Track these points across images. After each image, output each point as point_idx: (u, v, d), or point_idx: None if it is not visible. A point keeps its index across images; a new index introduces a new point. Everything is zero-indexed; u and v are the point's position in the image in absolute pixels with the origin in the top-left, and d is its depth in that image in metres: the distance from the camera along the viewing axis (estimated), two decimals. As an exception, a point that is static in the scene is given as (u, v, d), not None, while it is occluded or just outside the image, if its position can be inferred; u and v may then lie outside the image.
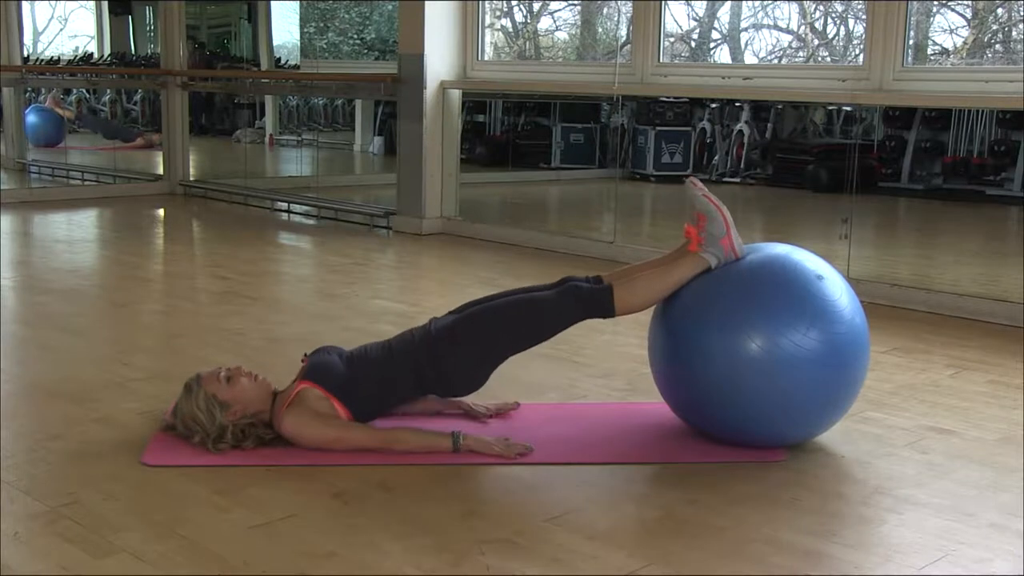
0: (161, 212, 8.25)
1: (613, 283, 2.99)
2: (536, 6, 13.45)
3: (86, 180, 9.70)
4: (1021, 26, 11.20)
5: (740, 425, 2.92)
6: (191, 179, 9.09)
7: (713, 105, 10.74)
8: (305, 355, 3.09)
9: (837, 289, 2.91)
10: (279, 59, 12.89)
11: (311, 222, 7.79)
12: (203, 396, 2.90)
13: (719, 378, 2.86)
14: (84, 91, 12.63)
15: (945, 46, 11.34)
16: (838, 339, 2.84)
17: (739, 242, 2.96)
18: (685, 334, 2.93)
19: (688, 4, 12.49)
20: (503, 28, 12.85)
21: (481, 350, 2.98)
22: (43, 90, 12.06)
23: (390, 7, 12.05)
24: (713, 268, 2.95)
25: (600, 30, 13.10)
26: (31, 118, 11.62)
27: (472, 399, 3.24)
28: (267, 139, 12.16)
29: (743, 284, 2.90)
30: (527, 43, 13.38)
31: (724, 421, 2.94)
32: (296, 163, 11.85)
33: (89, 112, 12.71)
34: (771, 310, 2.84)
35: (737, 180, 10.54)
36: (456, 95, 7.06)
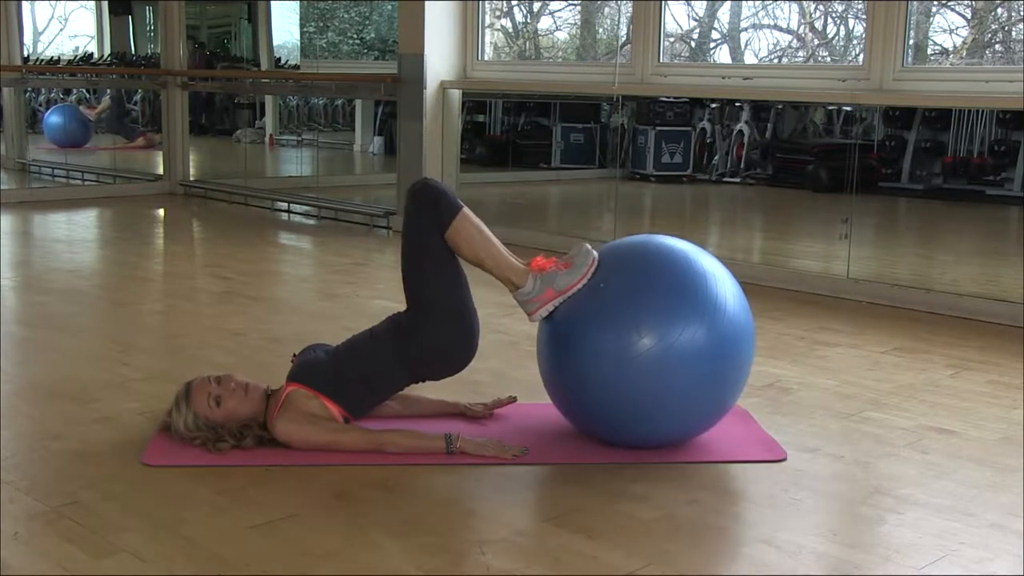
0: (161, 212, 8.25)
1: (464, 210, 2.96)
2: (536, 6, 13.45)
3: (86, 180, 9.70)
4: (1021, 26, 11.20)
5: (627, 427, 2.90)
6: (191, 179, 9.09)
7: (713, 105, 10.73)
8: (295, 355, 3.10)
9: (720, 283, 2.88)
10: (279, 59, 12.89)
11: (311, 222, 7.79)
12: (192, 418, 2.90)
13: (604, 378, 2.83)
14: (83, 91, 12.63)
15: (945, 46, 11.34)
16: (719, 333, 2.81)
17: (549, 310, 2.91)
18: (571, 334, 2.89)
19: (688, 4, 12.49)
20: (503, 28, 12.84)
21: (426, 298, 2.96)
22: (74, 91, 12.15)
23: (390, 7, 12.05)
24: (517, 292, 2.93)
25: (600, 30, 13.10)
26: (54, 119, 11.68)
27: (468, 400, 3.24)
28: (267, 139, 12.16)
29: (628, 282, 2.87)
30: (527, 43, 13.38)
31: (610, 423, 2.92)
32: (296, 163, 11.85)
33: (117, 105, 12.64)
34: (654, 308, 2.80)
35: (737, 180, 10.54)
36: (456, 95, 7.06)
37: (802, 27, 13.12)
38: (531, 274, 2.94)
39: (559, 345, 2.93)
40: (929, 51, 10.85)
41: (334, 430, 2.90)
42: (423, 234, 2.95)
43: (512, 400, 3.31)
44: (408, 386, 3.08)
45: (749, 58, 12.80)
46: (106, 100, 12.37)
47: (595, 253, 2.95)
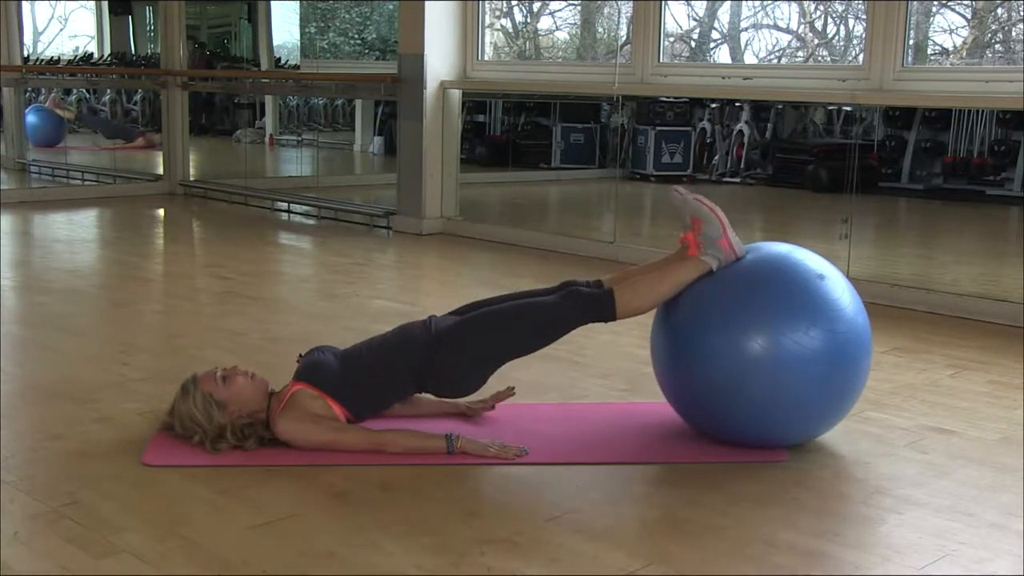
0: (161, 212, 8.25)
1: (614, 287, 2.99)
2: (536, 6, 13.46)
3: (86, 180, 9.70)
4: (1021, 26, 11.20)
5: (742, 426, 2.92)
6: (191, 179, 9.09)
7: (713, 105, 10.74)
8: (300, 355, 3.10)
9: (839, 288, 2.91)
10: (279, 59, 12.89)
11: (311, 222, 7.79)
12: (200, 396, 2.90)
13: (721, 378, 2.86)
14: (84, 91, 12.63)
15: (945, 46, 11.34)
16: (839, 338, 2.84)
17: (737, 241, 2.95)
18: (687, 335, 2.93)
19: (688, 4, 12.49)
20: (503, 28, 12.85)
21: (481, 355, 2.98)
22: (43, 90, 12.06)
23: (390, 7, 12.05)
24: (715, 270, 2.95)
25: (600, 30, 13.10)
26: (30, 118, 11.62)
27: (467, 399, 3.24)
28: (267, 139, 12.16)
29: (744, 284, 2.90)
30: (527, 43, 13.39)
31: (726, 422, 2.94)
32: (296, 163, 11.85)
33: (89, 112, 12.70)
34: (773, 310, 2.83)
35: (737, 180, 10.54)
36: (456, 95, 7.06)
37: (802, 27, 13.12)
38: (703, 255, 2.94)
39: (675, 346, 2.95)
40: (929, 51, 10.85)
41: (336, 429, 2.91)
42: (566, 324, 2.98)
43: (511, 391, 3.29)
44: (413, 395, 3.10)
45: (749, 58, 12.80)
46: (70, 112, 12.31)
47: (679, 193, 2.98)
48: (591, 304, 2.97)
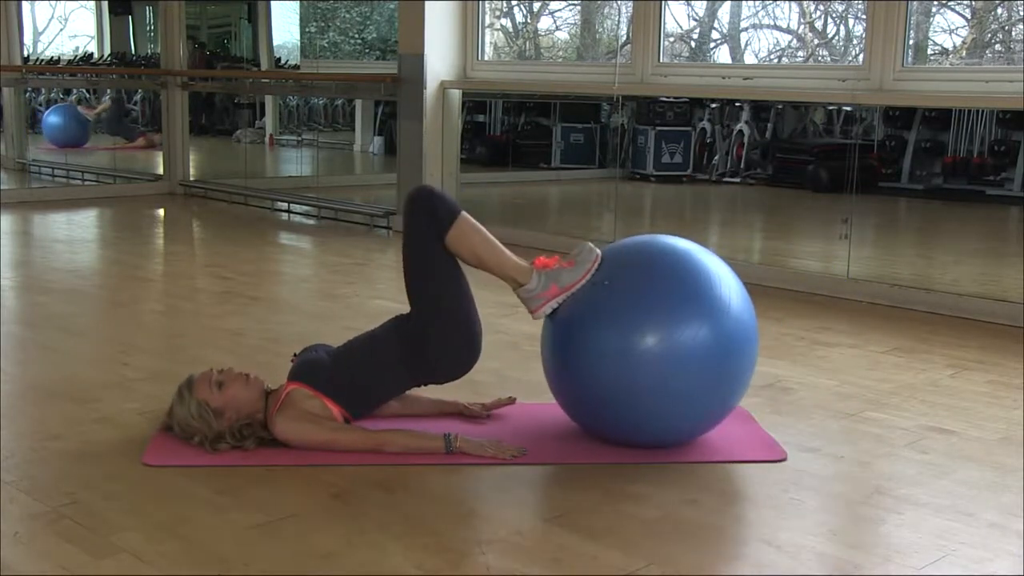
0: (161, 212, 8.25)
1: (463, 214, 2.97)
2: (536, 6, 13.46)
3: (86, 180, 9.70)
4: (1021, 26, 11.20)
5: (633, 425, 2.91)
6: (191, 179, 9.09)
7: (713, 105, 10.73)
8: (295, 354, 3.10)
9: (723, 280, 2.89)
10: (279, 59, 12.89)
11: (311, 222, 7.79)
12: (195, 404, 2.90)
13: (611, 378, 2.83)
14: (83, 91, 12.63)
15: (945, 46, 11.34)
16: (723, 332, 2.82)
17: (552, 307, 2.92)
18: (577, 334, 2.89)
19: (688, 4, 12.49)
20: (503, 28, 12.85)
21: (429, 305, 2.97)
22: (74, 91, 12.12)
23: (391, 7, 12.05)
24: (521, 289, 2.94)
25: (600, 30, 13.10)
26: (53, 119, 11.66)
27: (468, 399, 3.24)
28: (267, 139, 12.16)
29: (630, 281, 2.88)
30: (527, 43, 13.39)
31: (616, 421, 2.92)
32: (296, 163, 11.85)
33: (118, 107, 12.61)
34: (656, 307, 2.82)
35: (737, 180, 10.54)
36: (456, 95, 7.06)
37: (802, 27, 13.12)
38: (535, 272, 2.95)
39: (563, 345, 2.93)
40: (929, 51, 10.85)
41: (333, 429, 2.91)
42: (424, 241, 2.96)
43: (511, 401, 3.31)
44: (410, 388, 3.09)
45: (749, 58, 12.80)
46: (106, 101, 12.37)
47: (598, 251, 2.97)
48: (439, 206, 2.94)
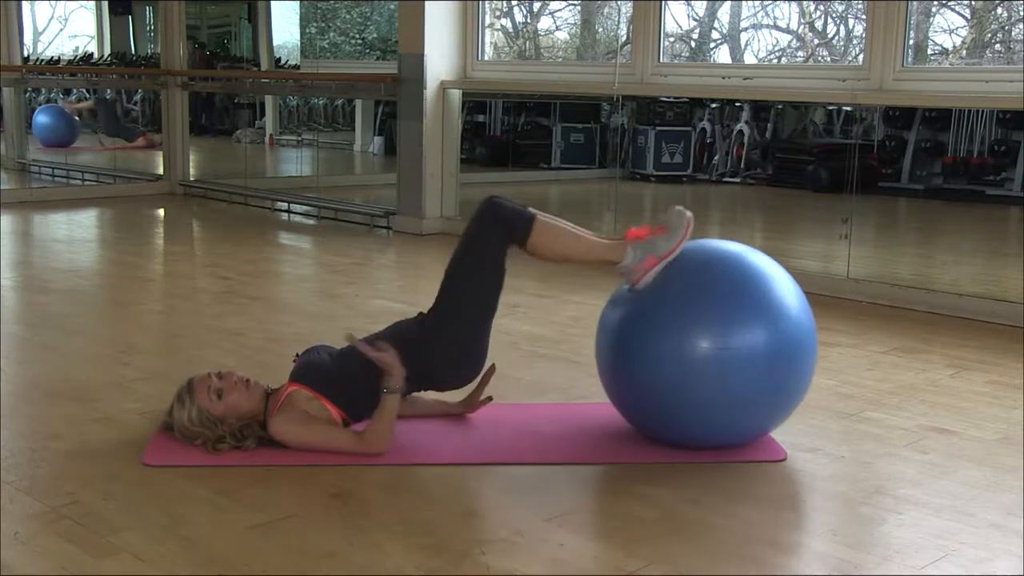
0: (161, 212, 8.25)
1: (537, 217, 2.96)
2: (536, 6, 13.46)
3: (86, 180, 9.71)
4: (1021, 26, 11.20)
5: (688, 428, 2.91)
6: (191, 179, 9.09)
7: (713, 105, 10.74)
8: (297, 355, 3.09)
9: (783, 287, 2.90)
10: (279, 59, 12.90)
11: (311, 222, 7.79)
12: (196, 411, 2.90)
13: (666, 381, 2.84)
14: (83, 91, 12.63)
15: (945, 46, 11.35)
16: (782, 337, 2.83)
17: (652, 278, 2.91)
18: (632, 338, 2.90)
19: (688, 4, 12.49)
20: (503, 28, 12.85)
21: (460, 326, 2.96)
22: (57, 90, 12.10)
23: (391, 7, 12.05)
24: (618, 266, 2.93)
25: (600, 30, 13.11)
26: (41, 118, 11.64)
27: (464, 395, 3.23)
28: (267, 139, 12.16)
29: (690, 286, 2.89)
30: (527, 43, 13.39)
31: (673, 424, 2.93)
32: (296, 163, 11.85)
33: (104, 106, 12.60)
34: (717, 311, 2.82)
35: (737, 180, 10.54)
36: (456, 95, 7.06)
37: (802, 27, 13.12)
38: (628, 246, 2.92)
39: (620, 349, 2.94)
40: (929, 51, 10.85)
41: (325, 433, 2.89)
42: (489, 251, 2.95)
43: (491, 369, 3.22)
44: (409, 394, 3.08)
45: (749, 58, 12.81)
46: (89, 101, 12.33)
47: (688, 213, 2.95)
48: (510, 217, 2.94)
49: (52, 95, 12.38)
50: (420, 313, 3.09)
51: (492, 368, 3.21)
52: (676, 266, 2.92)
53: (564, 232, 2.98)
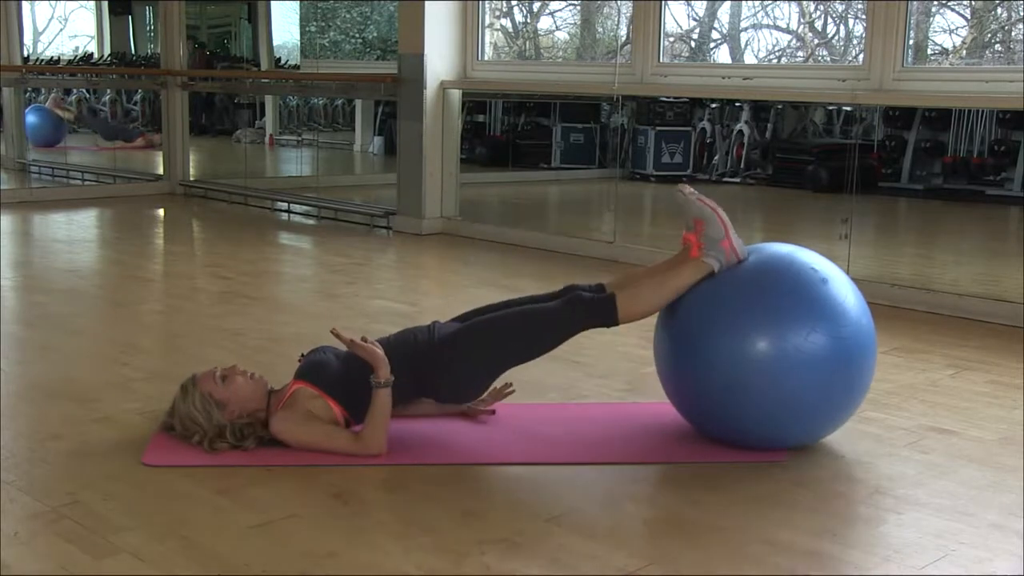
0: (161, 212, 8.25)
1: (616, 292, 2.99)
2: (536, 6, 13.46)
3: (86, 180, 9.71)
4: (1021, 26, 11.20)
5: (746, 428, 2.92)
6: (191, 179, 9.09)
7: (713, 105, 10.74)
8: (302, 355, 3.09)
9: (843, 289, 2.91)
10: (279, 59, 12.89)
11: (311, 222, 7.79)
12: (199, 396, 2.90)
13: (725, 381, 2.85)
14: (84, 91, 12.64)
15: (945, 46, 11.35)
16: (843, 342, 2.83)
17: (740, 242, 2.95)
18: (691, 337, 2.92)
19: (688, 4, 12.49)
20: (503, 28, 12.85)
21: (485, 361, 2.97)
22: (43, 90, 12.06)
23: (391, 7, 12.05)
24: (716, 272, 2.94)
25: (600, 30, 13.11)
26: (29, 118, 11.61)
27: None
28: (267, 139, 12.16)
29: (748, 286, 2.90)
30: (527, 43, 13.39)
31: (730, 424, 2.94)
32: (296, 163, 11.85)
33: (89, 112, 12.68)
34: (776, 312, 2.83)
35: (737, 180, 10.54)
36: (456, 95, 7.06)
37: (802, 27, 13.12)
38: (705, 257, 2.94)
39: (679, 348, 2.95)
40: (929, 51, 10.85)
41: (327, 433, 2.89)
42: (568, 330, 2.98)
43: (509, 389, 3.26)
44: (412, 400, 3.09)
45: (749, 58, 12.80)
46: (70, 113, 12.31)
47: (684, 191, 2.99)
48: (594, 309, 2.96)
49: (39, 95, 12.32)
50: (434, 322, 3.09)
51: (509, 388, 3.26)
52: (737, 271, 2.93)
53: (644, 288, 2.99)
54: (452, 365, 2.95)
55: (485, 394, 3.24)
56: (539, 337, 2.99)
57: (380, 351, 2.88)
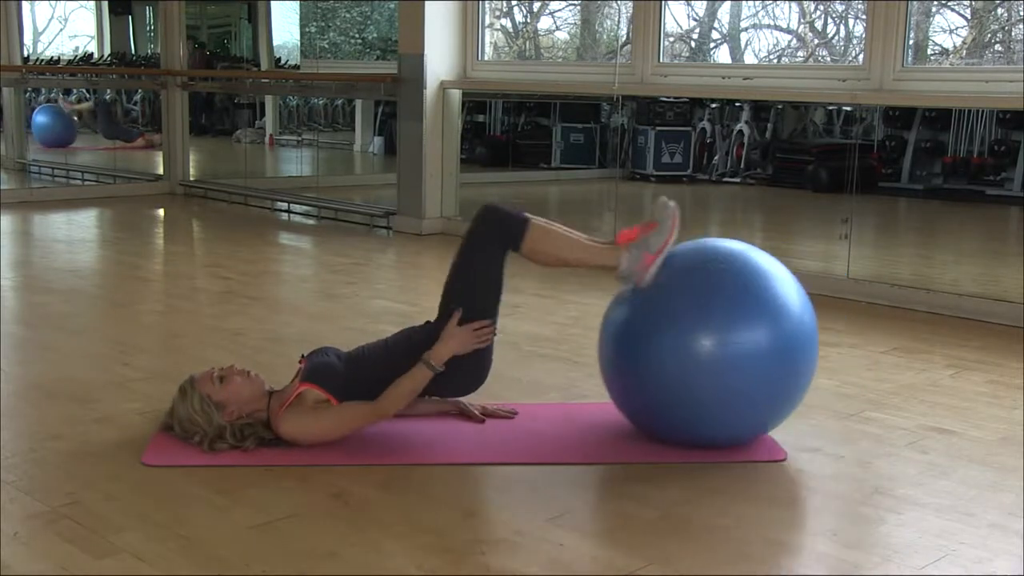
0: (161, 212, 8.25)
1: (532, 222, 2.96)
2: (536, 6, 13.46)
3: (86, 180, 9.71)
4: (1021, 26, 11.20)
5: (690, 425, 2.91)
6: (191, 179, 9.09)
7: (713, 105, 10.74)
8: (303, 356, 3.09)
9: (785, 285, 2.90)
10: (279, 59, 12.89)
11: (311, 222, 7.79)
12: (198, 398, 2.91)
13: (669, 380, 2.84)
14: (84, 91, 12.64)
15: (945, 46, 11.35)
16: (785, 336, 2.83)
17: (654, 273, 2.91)
18: (635, 336, 2.91)
19: (688, 4, 12.49)
20: (503, 28, 12.85)
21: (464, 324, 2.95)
22: (57, 91, 12.10)
23: (391, 7, 12.05)
24: (618, 272, 2.93)
25: (600, 30, 13.10)
26: (40, 118, 11.64)
27: (470, 399, 3.23)
28: (267, 139, 12.16)
29: (692, 285, 2.89)
30: (527, 43, 13.39)
31: (674, 422, 2.93)
32: (296, 163, 11.85)
33: (104, 109, 12.60)
34: (720, 309, 2.82)
35: (737, 180, 10.54)
36: (456, 95, 7.06)
37: (802, 27, 13.12)
38: (622, 248, 2.93)
39: (622, 349, 2.94)
40: (929, 51, 10.85)
41: (339, 414, 2.89)
42: (488, 255, 2.95)
43: (511, 415, 3.27)
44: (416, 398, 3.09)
45: (749, 58, 12.80)
46: (88, 102, 12.33)
47: (672, 203, 2.96)
48: (504, 222, 2.94)
49: (52, 95, 12.37)
50: (427, 322, 3.09)
51: (511, 414, 3.25)
52: (679, 264, 2.91)
53: (560, 236, 2.99)
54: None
55: (480, 410, 3.23)
56: (472, 264, 2.96)
57: (457, 347, 2.88)
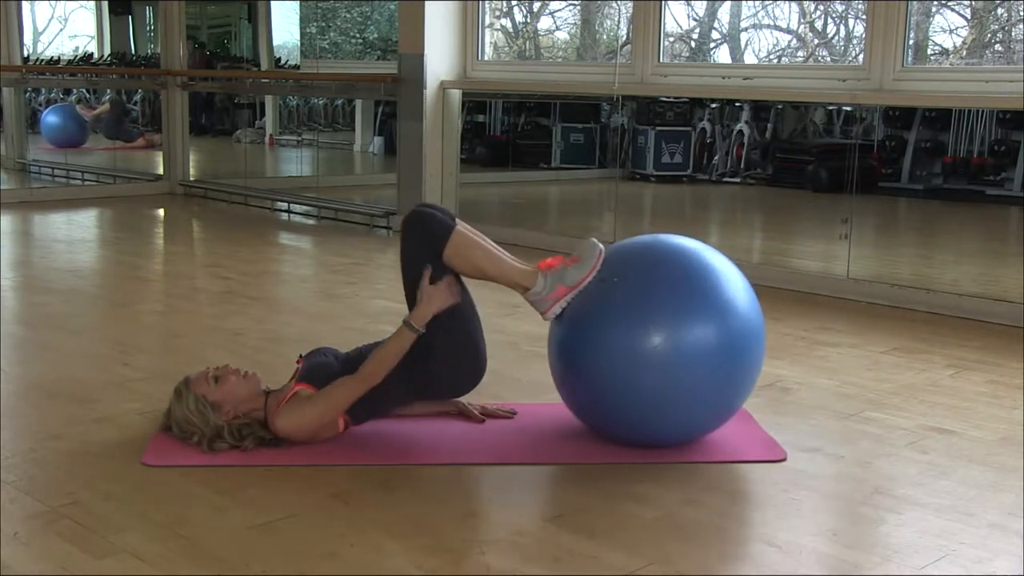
0: (161, 212, 8.25)
1: (456, 229, 2.96)
2: (536, 6, 13.45)
3: (86, 180, 9.71)
4: (1021, 26, 11.20)
5: (638, 425, 2.91)
6: (191, 179, 9.09)
7: (713, 105, 10.74)
8: (300, 356, 3.09)
9: (732, 282, 2.90)
10: (279, 59, 12.88)
11: (311, 222, 7.79)
12: (193, 399, 2.91)
13: (617, 378, 2.84)
14: (83, 91, 12.63)
15: (945, 46, 11.34)
16: (731, 333, 2.84)
17: (562, 308, 2.91)
18: (583, 335, 2.90)
19: (688, 4, 12.48)
20: (503, 28, 12.84)
21: (436, 325, 2.93)
22: (73, 91, 12.13)
23: (391, 7, 12.05)
24: (528, 293, 2.93)
25: (600, 30, 13.10)
26: (51, 119, 11.65)
27: (469, 399, 3.23)
28: (267, 139, 12.16)
29: (637, 282, 2.88)
30: (527, 43, 13.38)
31: (622, 421, 2.92)
32: (296, 163, 11.85)
33: (119, 110, 12.57)
34: (665, 307, 2.82)
35: (737, 180, 10.54)
36: (456, 95, 7.06)
37: (802, 27, 13.12)
38: (540, 273, 2.94)
39: (570, 345, 2.93)
40: (929, 51, 10.85)
41: (327, 399, 2.89)
42: (419, 258, 2.94)
43: (510, 415, 3.27)
44: (414, 400, 3.09)
45: (749, 58, 12.79)
46: (105, 104, 12.36)
47: (601, 246, 2.96)
48: (429, 226, 2.94)
49: (63, 96, 12.38)
50: None
51: (510, 414, 3.23)
52: (626, 261, 2.92)
53: (480, 247, 2.99)
54: (435, 355, 2.94)
55: (479, 410, 3.23)
56: (408, 269, 2.94)
57: (437, 304, 2.86)
